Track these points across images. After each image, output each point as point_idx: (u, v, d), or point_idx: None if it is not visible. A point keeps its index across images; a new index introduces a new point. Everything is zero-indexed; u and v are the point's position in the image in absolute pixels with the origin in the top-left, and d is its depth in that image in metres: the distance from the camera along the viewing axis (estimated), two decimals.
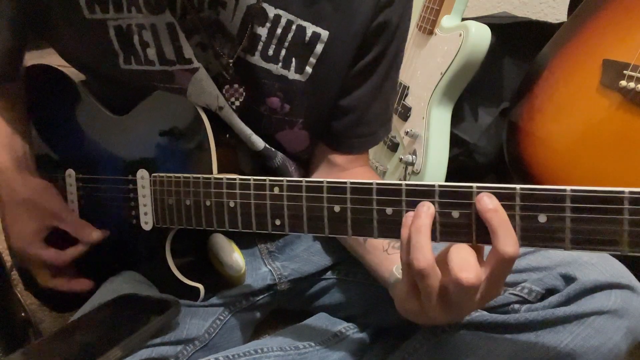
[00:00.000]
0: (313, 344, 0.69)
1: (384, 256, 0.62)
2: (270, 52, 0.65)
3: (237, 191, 0.56)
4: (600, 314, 0.54)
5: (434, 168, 1.08)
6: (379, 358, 0.70)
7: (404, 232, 0.46)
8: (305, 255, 0.77)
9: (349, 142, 0.73)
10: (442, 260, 0.45)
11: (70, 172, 0.70)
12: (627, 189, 0.40)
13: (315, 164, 0.77)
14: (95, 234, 0.68)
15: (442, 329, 0.61)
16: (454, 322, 0.53)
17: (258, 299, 0.75)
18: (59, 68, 0.73)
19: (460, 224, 0.46)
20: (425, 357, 0.60)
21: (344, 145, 0.73)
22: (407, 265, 0.46)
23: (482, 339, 0.58)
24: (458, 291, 0.43)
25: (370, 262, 0.65)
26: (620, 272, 0.56)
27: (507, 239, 0.42)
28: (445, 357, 0.59)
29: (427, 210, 0.45)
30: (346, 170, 0.74)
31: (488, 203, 0.43)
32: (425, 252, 0.44)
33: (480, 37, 1.02)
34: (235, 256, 0.68)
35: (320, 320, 0.77)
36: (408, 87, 1.15)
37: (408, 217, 0.46)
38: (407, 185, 0.47)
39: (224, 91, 0.66)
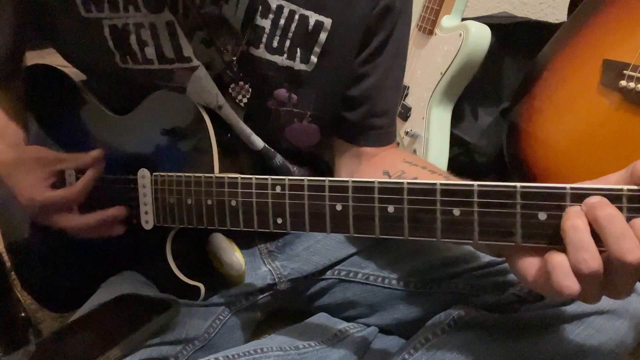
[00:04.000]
0: (313, 344, 0.69)
1: None
2: (275, 44, 0.65)
3: (239, 190, 0.56)
4: (600, 314, 0.54)
5: None
6: (379, 358, 0.70)
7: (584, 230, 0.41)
8: (305, 254, 0.77)
9: (367, 134, 0.72)
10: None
11: (71, 172, 0.70)
12: (625, 187, 0.41)
13: (340, 159, 0.76)
14: (94, 153, 0.65)
15: (442, 329, 0.61)
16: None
17: (258, 298, 0.75)
18: (60, 68, 0.73)
19: (463, 222, 0.46)
20: (425, 357, 0.60)
21: (363, 138, 0.73)
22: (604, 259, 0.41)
23: (482, 339, 0.58)
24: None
25: None
26: None
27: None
28: (445, 357, 0.59)
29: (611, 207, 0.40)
30: (376, 156, 0.73)
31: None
32: (594, 251, 0.40)
33: (480, 37, 1.02)
34: (235, 256, 0.68)
35: (320, 320, 0.77)
36: (408, 87, 1.15)
37: (578, 214, 0.41)
38: (408, 183, 0.47)
39: (230, 89, 0.66)
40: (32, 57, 0.74)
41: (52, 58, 0.71)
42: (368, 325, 0.75)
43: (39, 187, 0.64)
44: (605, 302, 0.54)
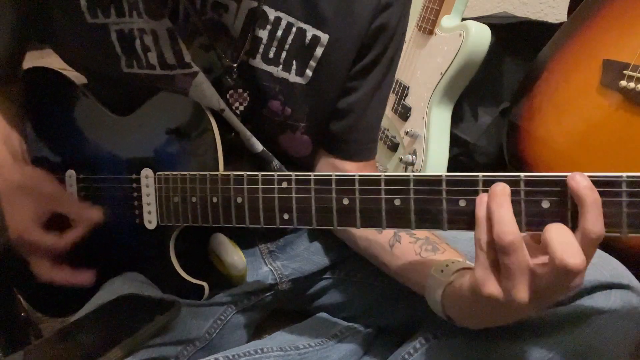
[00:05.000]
0: (313, 344, 0.70)
1: (417, 260, 0.61)
2: (271, 55, 0.65)
3: (245, 186, 0.56)
4: (600, 314, 0.54)
5: (434, 168, 1.08)
6: (379, 358, 0.70)
7: (480, 210, 0.45)
8: (306, 254, 0.77)
9: (347, 148, 0.72)
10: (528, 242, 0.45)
11: (71, 173, 0.70)
12: (624, 174, 0.42)
13: (320, 170, 0.75)
14: (94, 213, 0.66)
15: (442, 331, 0.61)
16: (531, 313, 0.48)
17: (259, 298, 0.75)
18: (60, 70, 0.73)
19: (468, 212, 0.47)
20: (425, 357, 0.60)
21: (343, 150, 0.72)
22: (489, 243, 0.45)
23: (481, 339, 0.58)
24: (558, 275, 0.42)
25: (399, 269, 0.63)
26: (620, 272, 0.56)
27: (597, 218, 0.42)
28: (444, 358, 0.59)
29: (503, 188, 0.45)
30: None
31: (582, 180, 0.42)
32: (512, 225, 0.43)
33: (480, 37, 1.02)
34: (237, 255, 0.68)
35: (320, 320, 0.77)
36: (408, 87, 1.15)
37: (482, 196, 0.46)
38: (414, 176, 0.48)
39: (228, 96, 0.66)
40: (32, 58, 0.74)
41: (52, 59, 0.71)
42: (368, 325, 0.75)
43: (31, 224, 0.63)
44: (605, 302, 0.54)
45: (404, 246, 0.63)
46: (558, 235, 0.43)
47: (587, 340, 0.54)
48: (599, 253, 0.58)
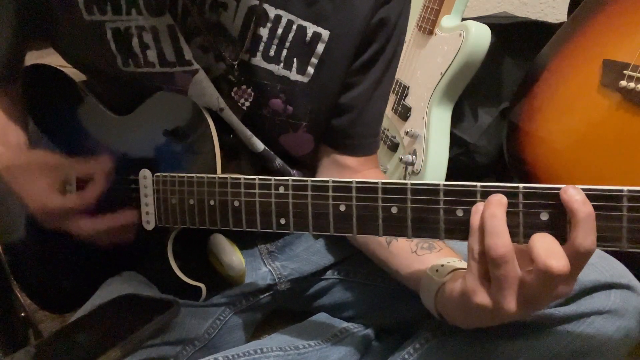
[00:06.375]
0: (313, 344, 0.69)
1: (413, 258, 0.61)
2: (272, 53, 0.65)
3: (242, 190, 0.56)
4: (599, 314, 0.54)
5: (434, 168, 1.08)
6: (379, 358, 0.70)
7: (475, 219, 0.45)
8: (305, 255, 0.77)
9: (350, 143, 0.73)
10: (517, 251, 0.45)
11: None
12: (625, 188, 0.41)
13: (322, 165, 0.76)
14: (101, 159, 0.66)
15: (442, 331, 0.61)
16: (521, 318, 0.48)
17: (258, 299, 0.75)
18: (59, 68, 0.73)
19: (465, 222, 0.46)
20: (425, 357, 0.60)
21: (345, 145, 0.73)
22: (481, 254, 0.45)
23: (481, 340, 0.58)
24: (543, 280, 0.42)
25: (396, 266, 0.63)
26: (620, 272, 0.56)
27: (589, 233, 0.41)
28: (444, 358, 0.59)
29: (500, 199, 0.45)
30: (358, 173, 0.73)
31: (575, 194, 0.42)
32: (504, 237, 0.43)
33: (480, 37, 1.02)
34: (235, 256, 0.68)
35: (320, 320, 0.77)
36: (408, 87, 1.15)
37: (478, 205, 0.45)
38: (412, 184, 0.48)
39: (232, 93, 0.66)
40: (32, 57, 0.74)
41: (52, 58, 0.71)
42: (368, 325, 0.75)
43: (50, 193, 0.64)
44: (605, 302, 0.54)
45: (400, 243, 0.63)
46: (542, 241, 0.43)
47: (587, 340, 0.54)
48: (599, 253, 0.58)
